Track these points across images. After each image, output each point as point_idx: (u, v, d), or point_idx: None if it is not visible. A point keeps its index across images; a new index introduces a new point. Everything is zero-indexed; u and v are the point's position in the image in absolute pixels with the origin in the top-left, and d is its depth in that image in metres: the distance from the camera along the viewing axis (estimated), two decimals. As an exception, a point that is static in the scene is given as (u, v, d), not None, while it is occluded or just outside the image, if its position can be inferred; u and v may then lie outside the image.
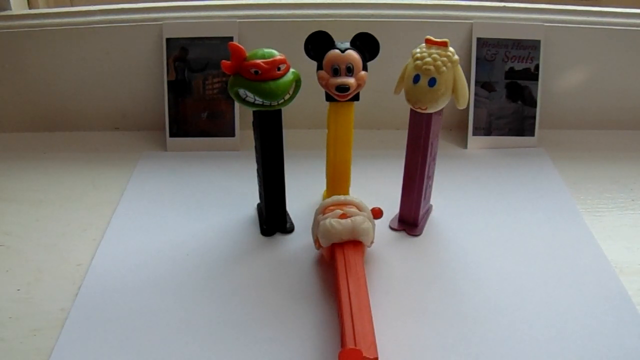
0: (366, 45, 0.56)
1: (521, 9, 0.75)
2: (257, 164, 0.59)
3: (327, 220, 0.54)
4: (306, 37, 0.56)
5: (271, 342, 0.49)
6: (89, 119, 0.79)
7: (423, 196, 0.60)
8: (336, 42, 0.56)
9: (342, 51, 0.55)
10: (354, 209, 0.55)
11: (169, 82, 0.75)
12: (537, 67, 0.74)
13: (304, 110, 0.70)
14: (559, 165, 0.72)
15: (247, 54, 0.52)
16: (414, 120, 0.56)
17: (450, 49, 0.53)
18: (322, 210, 0.56)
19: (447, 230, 0.62)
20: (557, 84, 0.77)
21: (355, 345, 0.43)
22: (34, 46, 0.75)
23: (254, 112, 0.55)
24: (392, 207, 0.62)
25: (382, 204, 0.58)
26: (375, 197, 0.61)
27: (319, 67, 0.56)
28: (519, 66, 0.74)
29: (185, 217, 0.63)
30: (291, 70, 0.54)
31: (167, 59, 0.74)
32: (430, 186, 0.62)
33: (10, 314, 0.52)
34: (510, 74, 0.75)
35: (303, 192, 0.66)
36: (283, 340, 0.49)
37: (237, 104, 0.74)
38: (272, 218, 0.61)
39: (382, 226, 0.61)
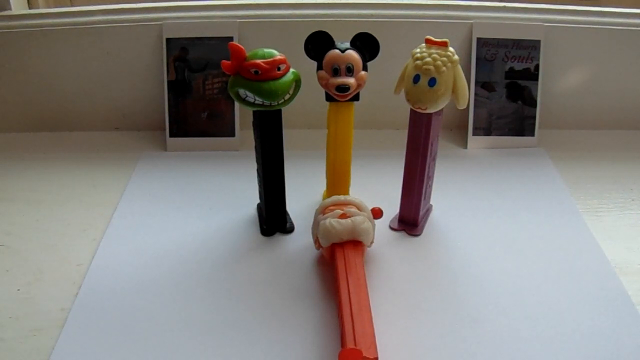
0: (366, 45, 0.56)
1: (521, 9, 0.75)
2: (257, 164, 0.59)
3: (327, 220, 0.54)
4: (306, 37, 0.56)
5: (271, 342, 0.49)
6: (89, 119, 0.79)
7: (423, 196, 0.60)
8: (336, 42, 0.56)
9: (342, 51, 0.55)
10: (354, 209, 0.55)
11: (169, 82, 0.75)
12: (537, 67, 0.74)
13: (304, 110, 0.70)
14: (559, 165, 0.72)
15: (247, 54, 0.52)
16: (414, 120, 0.56)
17: (450, 49, 0.53)
18: (322, 210, 0.56)
19: (447, 230, 0.62)
20: (557, 84, 0.77)
21: (355, 345, 0.43)
22: (34, 46, 0.75)
23: (254, 112, 0.55)
24: (392, 207, 0.62)
25: (382, 204, 0.58)
26: (375, 197, 0.61)
27: (319, 67, 0.56)
28: (519, 66, 0.74)
29: (185, 217, 0.63)
30: (291, 70, 0.54)
31: (167, 59, 0.74)
32: (430, 186, 0.62)
33: (10, 314, 0.52)
34: (510, 74, 0.75)
35: (303, 192, 0.66)
36: (283, 340, 0.49)
37: (237, 104, 0.74)
38: (272, 218, 0.61)
39: (382, 226, 0.61)
